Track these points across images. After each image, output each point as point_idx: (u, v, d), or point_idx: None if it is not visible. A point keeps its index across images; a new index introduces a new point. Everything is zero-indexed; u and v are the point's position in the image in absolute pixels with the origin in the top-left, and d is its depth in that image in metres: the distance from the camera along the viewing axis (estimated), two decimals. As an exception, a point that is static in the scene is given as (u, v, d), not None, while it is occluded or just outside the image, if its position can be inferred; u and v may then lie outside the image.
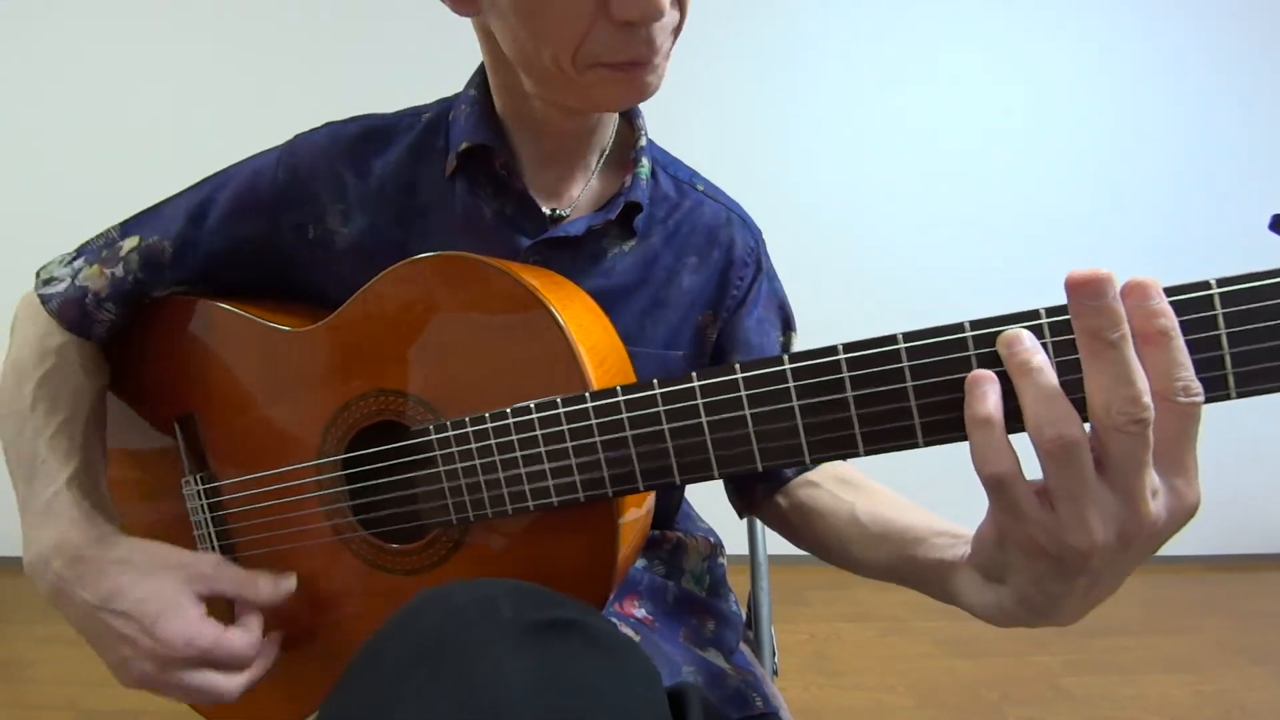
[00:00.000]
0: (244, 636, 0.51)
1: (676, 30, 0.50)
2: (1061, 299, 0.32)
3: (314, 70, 1.93)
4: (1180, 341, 0.30)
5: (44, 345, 0.55)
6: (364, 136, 0.60)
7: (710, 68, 1.95)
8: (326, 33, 1.93)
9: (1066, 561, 0.32)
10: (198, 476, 0.57)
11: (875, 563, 0.52)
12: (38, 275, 0.58)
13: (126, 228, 0.59)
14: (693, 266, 0.63)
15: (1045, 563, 0.33)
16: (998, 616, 0.38)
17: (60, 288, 0.56)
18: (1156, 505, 0.31)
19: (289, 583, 0.54)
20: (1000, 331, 0.33)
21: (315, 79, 1.91)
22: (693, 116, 1.92)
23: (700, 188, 0.67)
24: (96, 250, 0.58)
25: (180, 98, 1.92)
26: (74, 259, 0.58)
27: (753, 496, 0.66)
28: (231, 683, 0.51)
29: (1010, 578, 0.36)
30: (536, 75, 0.50)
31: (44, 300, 0.56)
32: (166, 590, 0.49)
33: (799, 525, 0.61)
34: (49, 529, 0.50)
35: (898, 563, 0.49)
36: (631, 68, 0.47)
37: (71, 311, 0.56)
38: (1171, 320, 0.30)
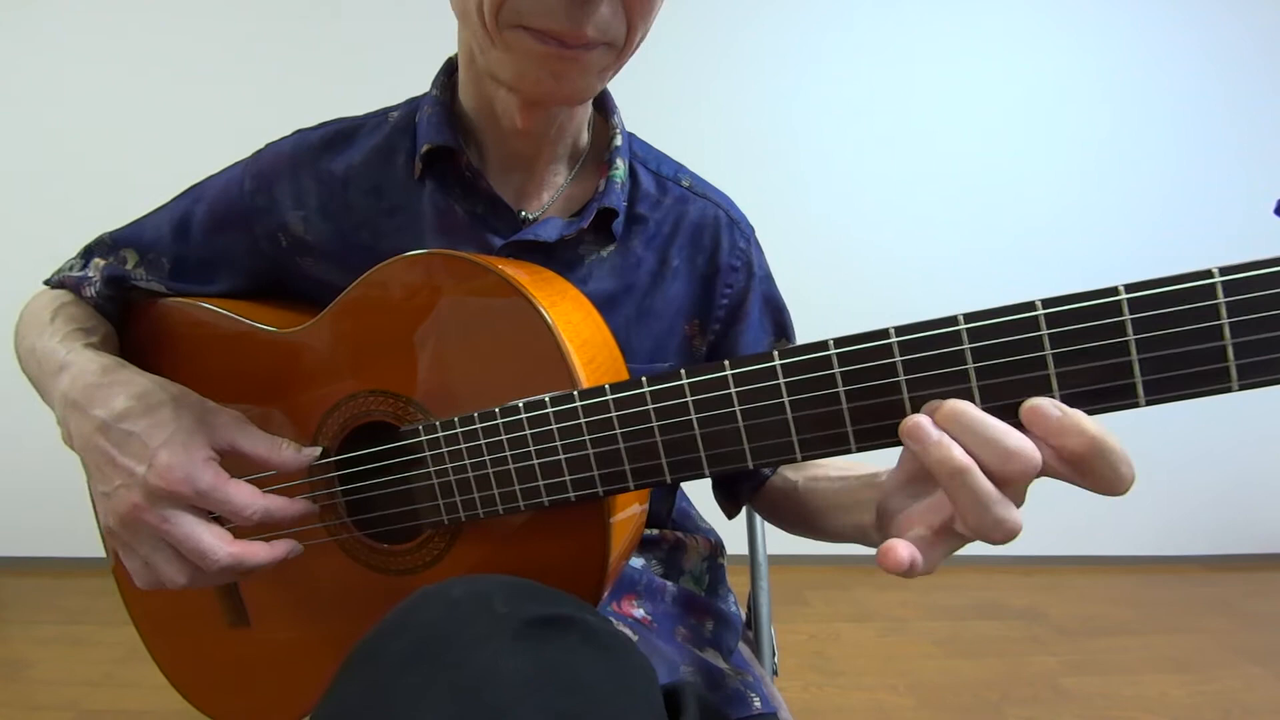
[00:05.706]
0: (247, 491, 0.46)
1: (621, 50, 0.49)
2: (1055, 292, 0.31)
3: (312, 67, 1.93)
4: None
5: (58, 297, 0.59)
6: (328, 141, 0.59)
7: (709, 64, 1.95)
8: (327, 27, 1.93)
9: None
10: None
11: (819, 528, 0.58)
12: (47, 282, 0.62)
13: (118, 240, 0.61)
14: (677, 271, 0.61)
15: None
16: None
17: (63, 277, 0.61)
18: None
19: (313, 452, 0.50)
20: (996, 323, 0.32)
21: (314, 76, 1.91)
22: (690, 113, 1.92)
23: (685, 183, 0.64)
24: (95, 253, 0.61)
25: (180, 94, 1.92)
26: (82, 265, 0.61)
27: (738, 499, 0.68)
28: (219, 544, 0.45)
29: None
30: (472, 29, 0.48)
31: (46, 282, 0.62)
32: (182, 423, 0.46)
33: (770, 513, 0.66)
34: (68, 373, 0.49)
35: (829, 521, 0.55)
36: (552, 43, 0.45)
37: (67, 285, 0.61)
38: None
